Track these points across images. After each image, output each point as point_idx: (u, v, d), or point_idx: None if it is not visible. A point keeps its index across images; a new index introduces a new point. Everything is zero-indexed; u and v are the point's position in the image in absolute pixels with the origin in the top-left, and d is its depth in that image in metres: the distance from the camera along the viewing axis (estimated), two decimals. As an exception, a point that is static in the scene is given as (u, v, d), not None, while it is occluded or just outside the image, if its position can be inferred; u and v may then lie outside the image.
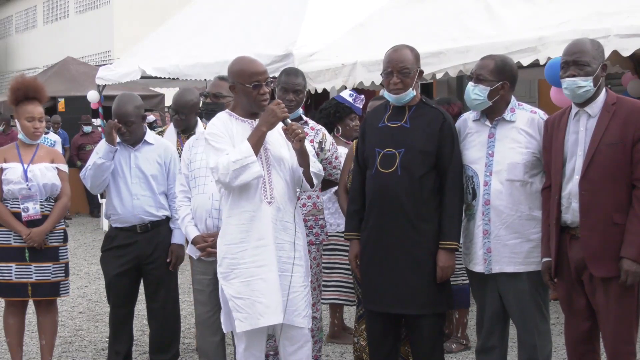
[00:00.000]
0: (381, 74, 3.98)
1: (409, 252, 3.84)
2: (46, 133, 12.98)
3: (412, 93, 3.90)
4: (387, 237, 3.87)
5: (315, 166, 3.91)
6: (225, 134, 3.79)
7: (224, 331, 3.99)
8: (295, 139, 3.71)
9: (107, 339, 5.04)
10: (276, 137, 3.83)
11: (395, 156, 3.87)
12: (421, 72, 3.97)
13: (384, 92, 4.05)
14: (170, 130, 5.44)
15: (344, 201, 4.40)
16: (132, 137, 4.73)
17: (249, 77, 3.80)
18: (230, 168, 3.66)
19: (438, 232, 3.86)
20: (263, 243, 3.74)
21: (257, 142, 3.71)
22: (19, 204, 4.69)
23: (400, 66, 3.86)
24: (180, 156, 4.61)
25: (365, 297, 4.05)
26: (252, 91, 3.79)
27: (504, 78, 3.86)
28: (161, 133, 5.61)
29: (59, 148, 12.89)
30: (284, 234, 3.79)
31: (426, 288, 3.85)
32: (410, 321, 3.94)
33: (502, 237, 3.82)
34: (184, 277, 6.89)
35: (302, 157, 3.81)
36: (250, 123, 3.85)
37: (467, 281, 5.27)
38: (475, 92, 3.86)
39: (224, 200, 3.87)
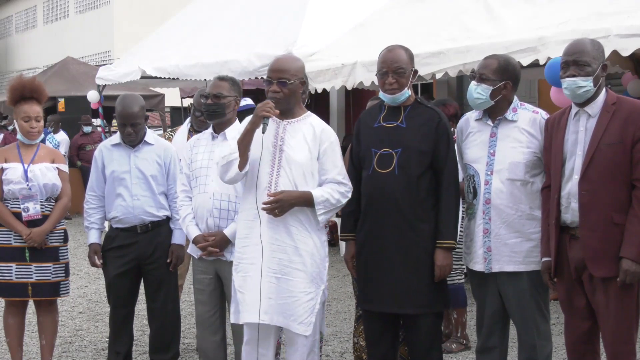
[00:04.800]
0: (376, 74, 3.98)
1: (406, 252, 3.84)
2: (55, 132, 13.00)
3: (407, 93, 3.91)
4: (384, 237, 3.87)
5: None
6: None
7: (231, 321, 3.99)
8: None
9: (107, 339, 5.04)
10: (297, 141, 3.80)
11: (392, 156, 3.87)
12: (415, 71, 3.97)
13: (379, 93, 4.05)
14: (183, 129, 5.44)
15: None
16: (137, 138, 4.73)
17: (267, 72, 3.84)
18: (220, 164, 3.78)
19: (435, 232, 3.86)
20: (256, 242, 3.77)
21: (241, 139, 3.73)
22: (19, 204, 4.69)
23: (395, 66, 3.87)
24: None
25: (362, 297, 4.05)
26: (265, 87, 3.82)
27: (506, 78, 3.86)
28: (173, 132, 5.62)
29: (63, 149, 12.90)
30: (286, 236, 3.77)
31: (423, 287, 3.86)
32: (408, 321, 3.95)
33: (503, 236, 3.83)
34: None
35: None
36: (276, 121, 3.84)
37: (463, 280, 5.31)
38: (478, 91, 3.87)
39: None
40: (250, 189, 3.80)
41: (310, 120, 3.87)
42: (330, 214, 3.82)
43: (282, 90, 3.77)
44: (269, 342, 3.87)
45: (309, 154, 3.79)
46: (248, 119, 3.80)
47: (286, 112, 3.83)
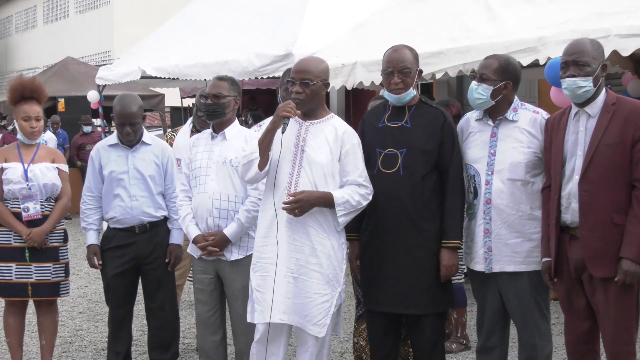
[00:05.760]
0: (381, 74, 3.98)
1: (411, 252, 3.84)
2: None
3: (412, 93, 3.91)
4: (389, 237, 3.87)
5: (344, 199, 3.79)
6: None
7: (247, 320, 3.97)
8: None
9: (107, 339, 5.04)
10: (319, 142, 3.81)
11: (397, 156, 3.87)
12: (420, 71, 3.98)
13: (383, 92, 4.05)
14: (185, 130, 5.44)
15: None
16: (136, 138, 4.73)
17: (290, 73, 3.85)
18: (241, 163, 3.80)
19: (439, 232, 3.86)
20: (274, 242, 3.78)
21: (262, 139, 3.74)
22: (19, 204, 4.69)
23: (400, 66, 3.87)
24: None
25: (366, 297, 4.05)
26: (289, 87, 3.83)
27: (507, 78, 3.86)
28: (175, 132, 5.62)
29: (52, 146, 12.88)
30: (303, 237, 3.77)
31: (427, 288, 3.86)
32: (411, 321, 3.94)
33: (503, 236, 3.83)
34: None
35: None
36: (299, 122, 3.85)
37: (462, 280, 5.31)
38: (478, 91, 3.87)
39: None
40: (270, 189, 3.81)
41: (332, 122, 3.88)
42: (351, 215, 3.81)
43: (305, 91, 3.77)
44: (281, 341, 3.87)
45: (330, 155, 3.79)
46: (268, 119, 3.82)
47: (309, 113, 3.84)
